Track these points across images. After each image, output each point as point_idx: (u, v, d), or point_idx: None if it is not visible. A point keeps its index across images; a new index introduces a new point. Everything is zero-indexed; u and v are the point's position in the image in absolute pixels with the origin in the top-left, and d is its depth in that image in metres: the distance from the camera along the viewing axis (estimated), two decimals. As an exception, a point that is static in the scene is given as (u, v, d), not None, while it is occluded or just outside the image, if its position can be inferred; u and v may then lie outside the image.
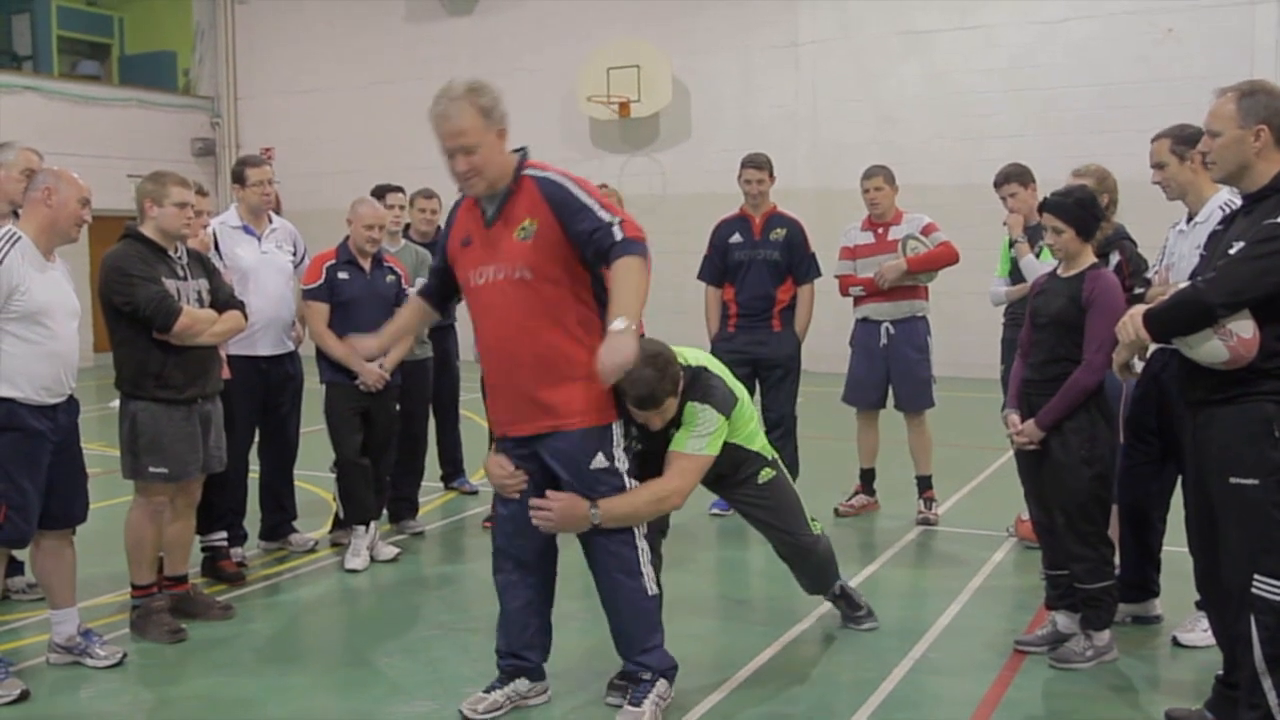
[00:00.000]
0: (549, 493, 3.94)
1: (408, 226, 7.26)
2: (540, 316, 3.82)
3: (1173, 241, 4.68)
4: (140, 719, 4.26)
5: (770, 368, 6.91)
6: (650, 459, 4.13)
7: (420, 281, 6.50)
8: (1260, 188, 3.54)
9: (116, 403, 5.05)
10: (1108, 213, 4.96)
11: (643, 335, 6.71)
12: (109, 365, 5.04)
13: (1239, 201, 3.76)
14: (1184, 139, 4.45)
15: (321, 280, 6.04)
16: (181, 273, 4.96)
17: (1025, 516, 5.62)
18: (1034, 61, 13.55)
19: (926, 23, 14.10)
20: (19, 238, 4.40)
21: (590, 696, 4.27)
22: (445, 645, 4.93)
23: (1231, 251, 3.46)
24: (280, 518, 6.42)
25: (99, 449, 7.67)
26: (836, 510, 7.04)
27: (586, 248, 3.77)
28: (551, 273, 3.81)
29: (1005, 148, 11.29)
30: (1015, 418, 4.62)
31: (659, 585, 4.09)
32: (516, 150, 3.94)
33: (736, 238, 6.98)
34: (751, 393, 6.67)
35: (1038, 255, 5.89)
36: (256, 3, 18.74)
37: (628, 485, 3.95)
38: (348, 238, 6.15)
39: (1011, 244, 6.19)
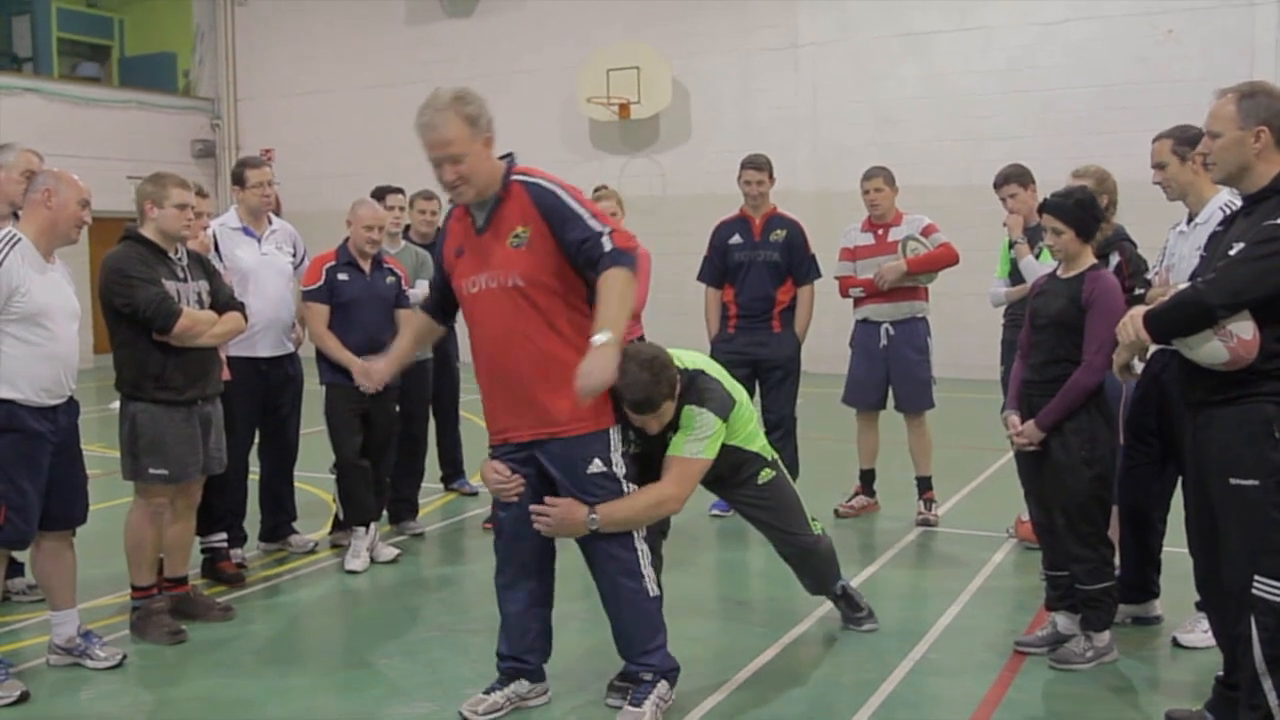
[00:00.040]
0: (548, 499, 3.94)
1: (408, 228, 7.27)
2: (535, 323, 3.82)
3: (1173, 242, 4.68)
4: (140, 720, 4.26)
5: (770, 369, 6.91)
6: (648, 462, 4.12)
7: (420, 283, 6.54)
8: (1260, 189, 3.54)
9: (116, 404, 5.05)
10: (1107, 214, 4.96)
11: (641, 338, 6.79)
12: (109, 367, 5.04)
13: (1239, 202, 3.76)
14: (1185, 140, 4.45)
15: (321, 282, 6.04)
16: (181, 274, 4.96)
17: (1025, 517, 5.62)
18: (1033, 63, 13.55)
19: (926, 24, 14.10)
20: (19, 239, 4.40)
21: (590, 697, 4.27)
22: (445, 646, 4.93)
23: (1231, 252, 3.46)
24: (280, 519, 6.42)
25: (99, 450, 7.68)
26: (836, 511, 7.04)
27: (577, 257, 3.78)
28: (545, 279, 3.81)
29: (1005, 149, 11.29)
30: (1015, 419, 4.62)
31: (660, 586, 4.09)
32: (504, 156, 3.94)
33: (736, 239, 6.98)
34: (751, 394, 6.67)
35: (1037, 256, 5.88)
36: (256, 4, 18.75)
37: (625, 490, 3.95)
38: (347, 239, 6.16)
39: (1011, 245, 6.20)
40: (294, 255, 6.31)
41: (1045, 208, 4.54)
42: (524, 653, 4.15)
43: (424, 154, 3.84)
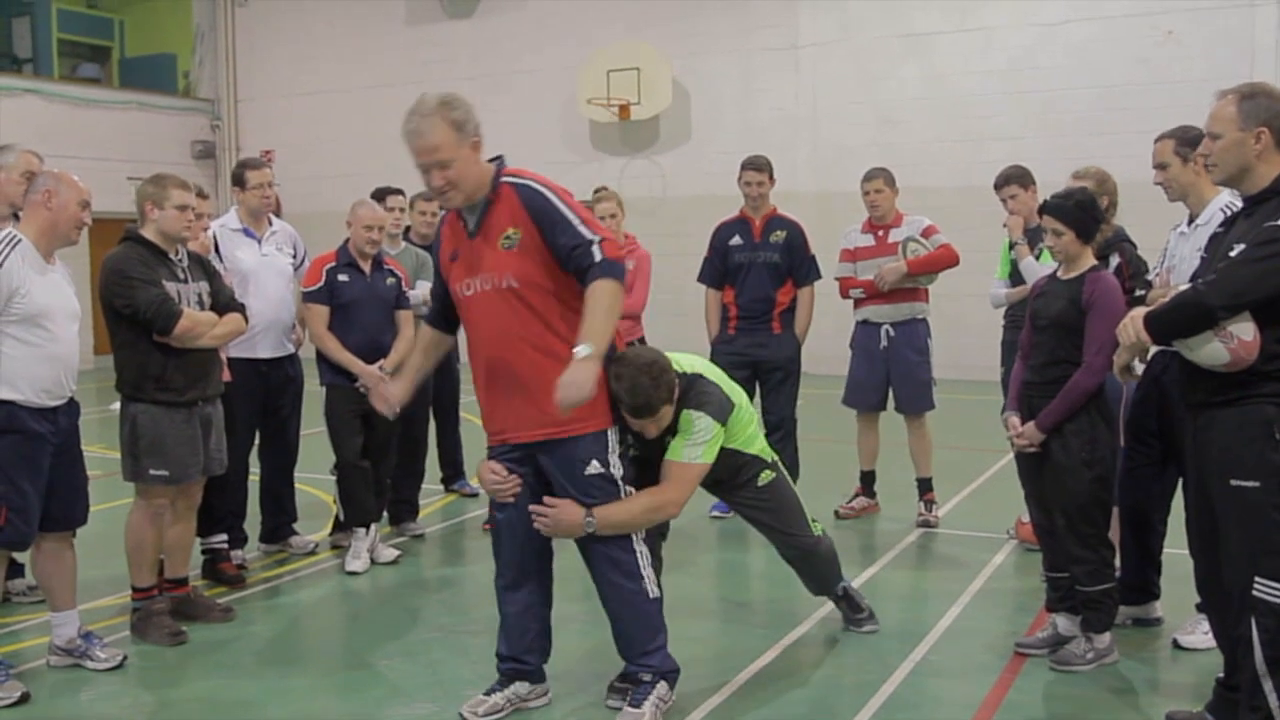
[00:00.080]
0: (546, 499, 3.94)
1: (408, 229, 7.26)
2: (530, 324, 3.82)
3: (1174, 244, 4.68)
4: (140, 721, 4.26)
5: (770, 370, 6.91)
6: (646, 466, 4.12)
7: (421, 284, 6.54)
8: (1261, 190, 3.54)
9: (117, 405, 5.05)
10: (1107, 215, 4.96)
11: (642, 340, 6.80)
12: (109, 368, 5.04)
13: (1240, 204, 3.76)
14: (1188, 140, 4.45)
15: (321, 283, 6.04)
16: (182, 275, 4.96)
17: (1025, 519, 5.62)
18: (1034, 63, 13.55)
19: (926, 25, 14.10)
20: (19, 240, 4.40)
21: (591, 698, 4.27)
22: (445, 648, 4.93)
23: (1232, 254, 3.46)
24: (280, 520, 6.42)
25: (99, 451, 7.68)
26: (837, 512, 7.04)
27: (566, 262, 3.79)
28: (539, 280, 3.82)
29: (1005, 150, 11.31)
30: (1015, 420, 4.62)
31: (660, 587, 4.09)
32: (494, 159, 3.94)
33: (736, 240, 6.98)
34: (751, 395, 6.67)
35: (1038, 257, 5.88)
36: (256, 5, 18.75)
37: (623, 493, 3.96)
38: (348, 240, 6.16)
39: (1011, 246, 6.20)
40: (294, 256, 6.31)
41: (1045, 209, 4.54)
42: (523, 653, 4.15)
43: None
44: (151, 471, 4.87)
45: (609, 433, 3.94)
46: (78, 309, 4.63)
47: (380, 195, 6.88)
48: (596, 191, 7.25)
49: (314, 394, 6.23)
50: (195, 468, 4.98)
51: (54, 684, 4.52)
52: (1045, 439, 4.48)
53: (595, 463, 3.90)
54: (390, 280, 6.22)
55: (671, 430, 4.12)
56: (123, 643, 4.92)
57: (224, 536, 5.91)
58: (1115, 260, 4.95)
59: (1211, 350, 3.45)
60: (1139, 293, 4.71)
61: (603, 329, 3.69)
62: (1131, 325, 3.65)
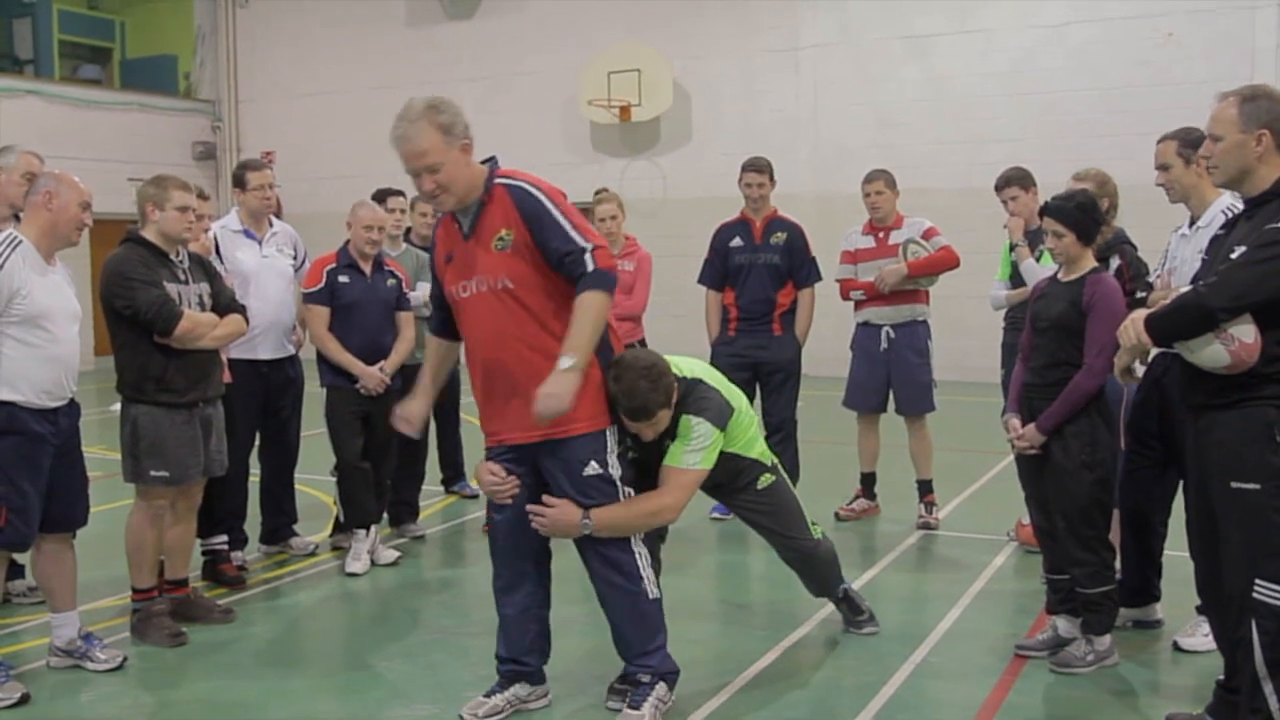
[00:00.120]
0: (545, 498, 3.94)
1: (408, 230, 7.26)
2: (526, 324, 3.83)
3: (1175, 245, 4.68)
4: (140, 723, 4.26)
5: (771, 372, 6.91)
6: (645, 469, 4.12)
7: (421, 285, 6.53)
8: (1261, 192, 3.54)
9: (117, 406, 5.05)
10: (1108, 217, 4.96)
11: (642, 341, 6.79)
12: (110, 369, 5.04)
13: (1241, 206, 3.76)
14: (1191, 142, 4.44)
15: (322, 284, 6.04)
16: (183, 276, 4.97)
17: (1026, 521, 5.62)
18: (1034, 65, 13.56)
19: (927, 27, 14.11)
20: (20, 242, 4.40)
21: (590, 700, 4.27)
22: (445, 649, 4.93)
23: (1233, 256, 3.46)
24: (281, 521, 6.42)
25: (100, 452, 7.67)
26: (837, 514, 7.04)
27: (558, 267, 3.80)
28: (533, 280, 3.83)
29: (1005, 151, 11.32)
30: (1016, 422, 4.62)
31: (659, 588, 4.09)
32: (486, 160, 3.95)
33: (737, 241, 6.98)
34: (752, 397, 6.67)
35: (1038, 259, 5.88)
36: (257, 6, 18.76)
37: (622, 494, 3.96)
38: (348, 241, 6.16)
39: (1012, 248, 6.19)
40: (295, 258, 6.31)
41: (1046, 211, 4.54)
42: (523, 655, 4.15)
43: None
44: (152, 472, 4.87)
45: (607, 433, 3.94)
46: (78, 310, 4.63)
47: (381, 197, 6.87)
48: (597, 193, 7.24)
49: (314, 395, 6.23)
50: (195, 469, 4.98)
51: (54, 685, 4.52)
52: (1046, 441, 4.47)
53: (594, 463, 3.91)
54: (391, 281, 6.22)
55: (670, 435, 4.12)
56: (123, 644, 4.92)
57: (224, 538, 5.91)
58: (1116, 262, 4.95)
59: (1212, 352, 3.45)
60: (1139, 294, 4.71)
61: (587, 342, 3.72)
62: (1132, 327, 3.65)
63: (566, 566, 4.30)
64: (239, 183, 6.15)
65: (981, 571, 5.91)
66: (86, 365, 5.86)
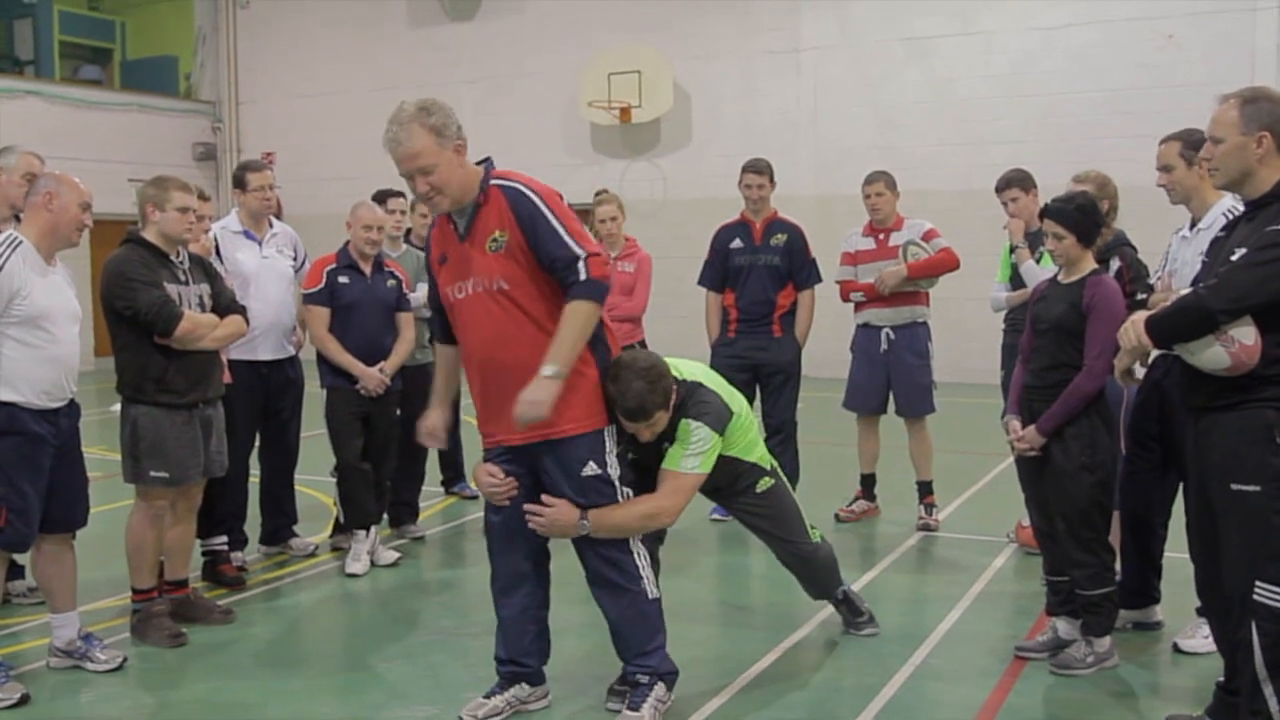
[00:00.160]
0: (543, 497, 3.95)
1: (409, 231, 7.26)
2: (522, 325, 3.83)
3: (1176, 247, 4.68)
4: (140, 723, 4.26)
5: (771, 373, 6.91)
6: (642, 470, 4.12)
7: (422, 286, 6.53)
8: (1262, 194, 3.55)
9: (117, 407, 5.05)
10: (1108, 219, 4.95)
11: (643, 343, 6.79)
12: (110, 369, 5.04)
13: (1242, 208, 3.76)
14: (1193, 144, 4.43)
15: (322, 284, 6.04)
16: (183, 277, 4.97)
17: (1026, 522, 5.62)
18: (1035, 67, 13.56)
19: (927, 29, 14.12)
20: (20, 242, 4.40)
21: (590, 701, 4.27)
22: (445, 650, 4.93)
23: (1233, 258, 3.46)
24: (281, 522, 6.42)
25: (100, 453, 7.68)
26: (837, 515, 7.04)
27: (550, 271, 3.81)
28: (528, 281, 3.83)
29: (1006, 153, 11.32)
30: (1016, 424, 4.62)
31: (658, 588, 4.09)
32: (481, 161, 3.95)
33: (737, 243, 6.98)
34: (752, 398, 6.67)
35: (1038, 261, 5.88)
36: (258, 8, 18.76)
37: (620, 494, 3.96)
38: (348, 242, 6.16)
39: (1012, 249, 6.20)
40: (295, 258, 6.31)
41: (1046, 213, 4.54)
42: (522, 656, 4.15)
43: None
44: (152, 473, 4.86)
45: (605, 433, 3.94)
46: (78, 311, 4.63)
47: (381, 198, 6.87)
48: (598, 194, 7.25)
49: (314, 396, 6.23)
50: (195, 469, 4.98)
51: (54, 685, 4.52)
52: (1046, 443, 4.47)
53: (592, 464, 3.91)
54: (391, 282, 6.22)
55: (669, 438, 4.11)
56: (123, 644, 4.92)
57: (224, 538, 5.91)
58: (1116, 264, 4.94)
59: (1213, 354, 3.45)
60: (1140, 296, 4.71)
61: (570, 350, 3.74)
62: (1133, 329, 3.65)
63: (566, 567, 4.29)
64: (239, 184, 6.15)
65: (981, 573, 5.91)
66: (87, 366, 5.86)
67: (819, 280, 7.00)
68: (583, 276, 3.76)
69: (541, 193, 3.86)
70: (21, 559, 5.19)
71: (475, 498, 7.65)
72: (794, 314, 6.94)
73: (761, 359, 6.89)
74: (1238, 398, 3.49)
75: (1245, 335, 3.40)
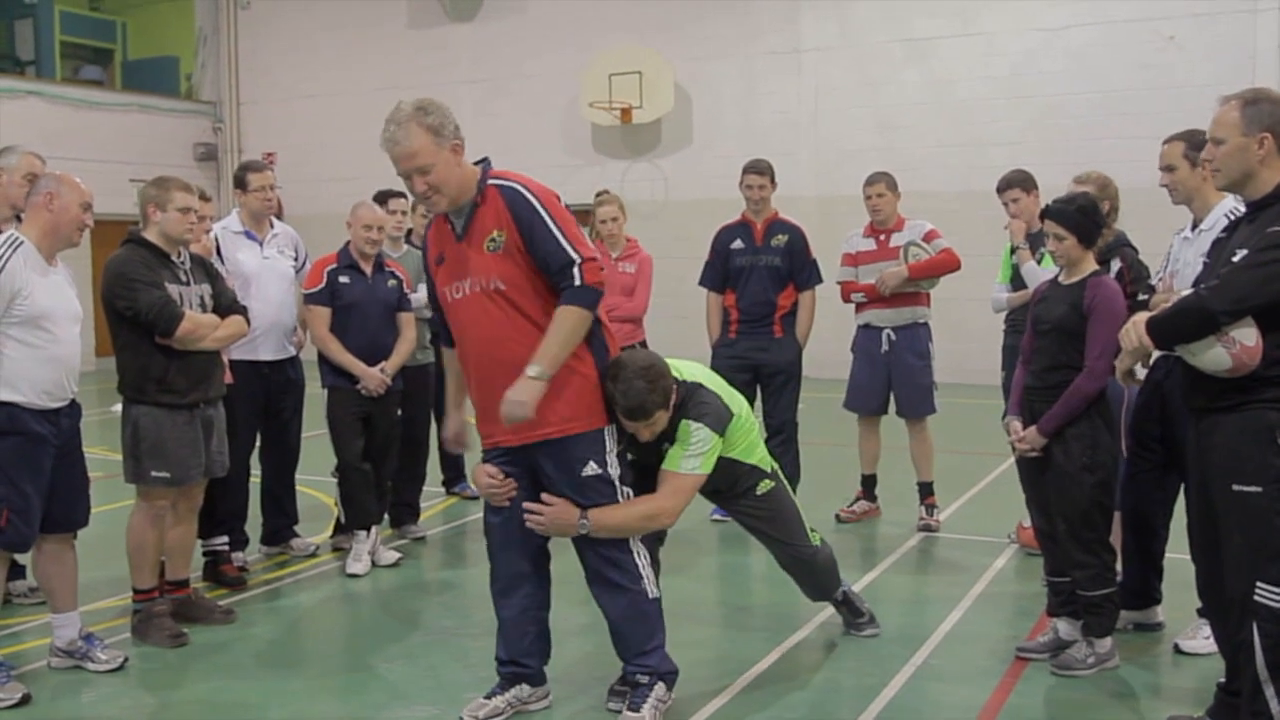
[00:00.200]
0: (543, 496, 3.95)
1: (410, 232, 7.26)
2: (520, 325, 3.83)
3: (1177, 248, 4.68)
4: (141, 723, 4.26)
5: (771, 374, 6.91)
6: (645, 473, 4.12)
7: (422, 286, 6.53)
8: (1263, 195, 3.55)
9: (118, 407, 5.05)
10: (1109, 220, 4.96)
11: (643, 343, 6.79)
12: (111, 369, 5.04)
13: (1243, 209, 3.76)
14: (1197, 144, 4.42)
15: (323, 285, 6.04)
16: (184, 278, 4.97)
17: (1026, 523, 5.62)
18: (1035, 68, 13.56)
19: (928, 30, 14.12)
20: (21, 243, 4.40)
21: (591, 702, 4.27)
22: (446, 651, 4.93)
23: (1235, 259, 3.46)
24: (281, 522, 6.42)
25: (101, 453, 7.68)
26: (838, 516, 7.04)
27: (545, 274, 3.82)
28: (525, 281, 3.83)
29: (1006, 154, 11.31)
30: (1017, 424, 4.62)
31: (658, 587, 4.09)
32: (478, 162, 3.95)
33: (738, 244, 6.98)
34: (752, 399, 6.67)
35: (1039, 262, 5.89)
36: (259, 8, 18.76)
37: (621, 494, 3.96)
38: (349, 242, 6.16)
39: (1013, 250, 6.20)
40: (295, 259, 6.31)
41: (1047, 214, 4.54)
42: (522, 656, 4.15)
43: None
44: (153, 473, 4.87)
45: (605, 432, 3.94)
46: (79, 311, 4.63)
47: (383, 198, 6.87)
48: (598, 195, 7.25)
49: (315, 396, 6.23)
50: (196, 469, 4.98)
51: (55, 685, 4.52)
52: (1047, 444, 4.48)
53: (592, 464, 3.91)
54: (392, 282, 6.22)
55: (669, 439, 4.11)
56: (124, 644, 4.92)
57: (225, 538, 5.91)
58: (1116, 265, 4.95)
59: (1214, 355, 3.45)
60: (1141, 297, 4.71)
61: (557, 353, 3.75)
62: (1134, 330, 3.65)
63: (567, 568, 4.29)
64: (240, 184, 6.16)
65: (982, 574, 5.91)
66: (88, 366, 5.86)
67: (820, 281, 7.00)
68: (577, 282, 3.76)
69: (539, 194, 3.86)
70: (23, 559, 5.19)
71: (476, 498, 7.64)
72: (795, 315, 6.94)
73: (762, 360, 6.88)
74: (1239, 399, 3.49)
75: (1246, 336, 3.40)
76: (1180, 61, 12.77)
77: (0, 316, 4.30)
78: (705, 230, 7.50)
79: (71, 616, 4.68)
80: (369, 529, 6.15)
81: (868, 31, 14.46)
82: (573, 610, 4.95)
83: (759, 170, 6.97)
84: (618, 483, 3.96)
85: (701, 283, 7.18)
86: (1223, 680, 3.83)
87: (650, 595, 4.02)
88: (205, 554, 5.87)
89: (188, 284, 4.97)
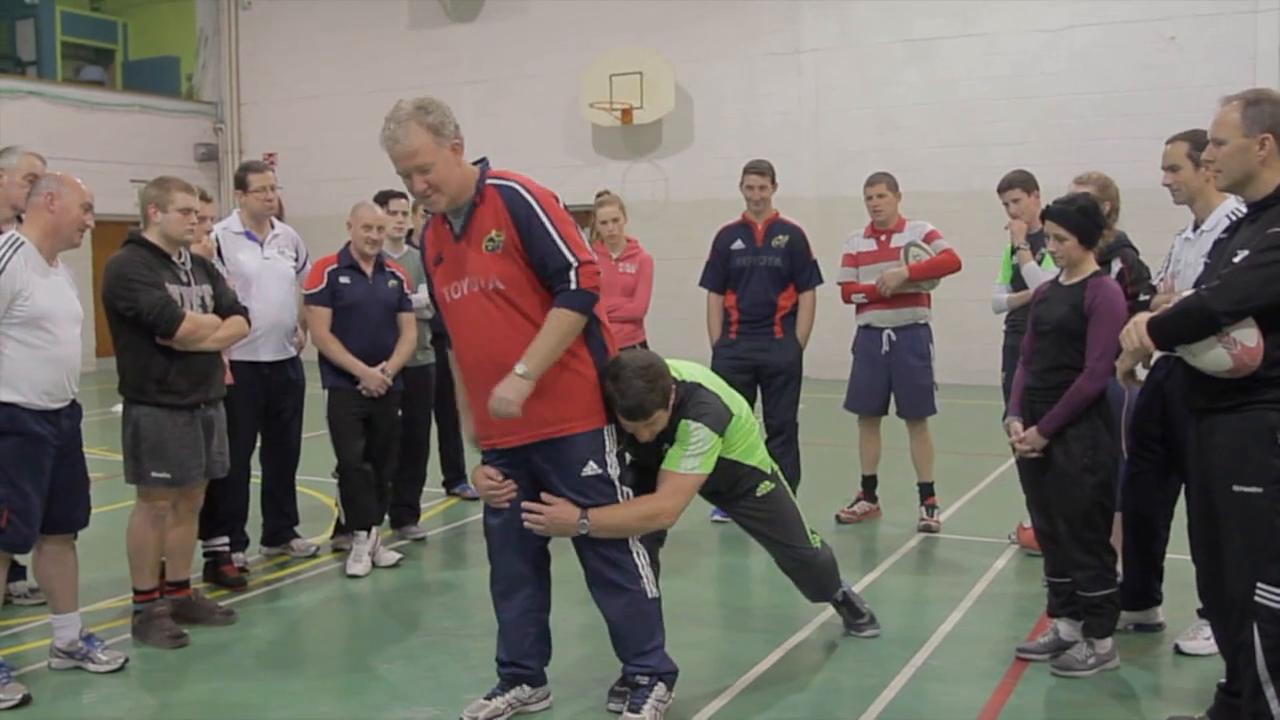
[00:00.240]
0: (543, 495, 3.95)
1: (410, 232, 7.26)
2: (520, 325, 3.83)
3: (1179, 249, 4.68)
4: (141, 724, 4.26)
5: (772, 375, 6.91)
6: (642, 471, 4.12)
7: (423, 287, 6.53)
8: (1264, 196, 3.55)
9: (119, 407, 5.05)
10: (1110, 221, 4.95)
11: (644, 344, 6.79)
12: (112, 370, 5.04)
13: (1245, 210, 3.75)
14: (1201, 145, 4.40)
15: (323, 285, 6.04)
16: (185, 278, 4.97)
17: (1027, 524, 5.62)
18: (1036, 69, 13.56)
19: (928, 30, 14.12)
20: (22, 243, 4.40)
21: (592, 703, 4.27)
22: (446, 651, 4.93)
23: (1236, 260, 3.46)
24: (282, 523, 6.42)
25: (101, 454, 7.68)
26: (838, 517, 7.04)
27: (541, 275, 3.82)
28: (524, 281, 3.83)
29: (1007, 155, 11.30)
30: (1018, 425, 4.62)
31: (658, 588, 4.09)
32: (477, 162, 3.95)
33: (738, 244, 6.98)
34: (753, 400, 6.67)
35: (1040, 262, 5.88)
36: (260, 9, 18.77)
37: (621, 494, 3.96)
38: (349, 243, 6.16)
39: (1014, 251, 6.20)
40: (296, 259, 6.32)
41: (1048, 214, 4.54)
42: (523, 658, 4.15)
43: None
44: (153, 474, 4.87)
45: (604, 431, 3.94)
46: (80, 311, 4.63)
47: (383, 199, 6.87)
48: (599, 195, 7.25)
49: (316, 397, 6.23)
50: (197, 470, 4.98)
51: (55, 686, 4.52)
52: (1047, 444, 4.47)
53: (592, 464, 3.91)
54: (392, 283, 6.22)
55: (669, 439, 4.11)
56: (124, 645, 4.92)
57: (225, 539, 5.91)
58: (1117, 266, 4.95)
59: (1215, 356, 3.45)
60: (1141, 298, 4.71)
61: (546, 354, 3.75)
62: (1135, 330, 3.65)
63: (567, 569, 4.29)
64: (241, 184, 6.16)
65: (983, 574, 5.91)
66: (88, 366, 5.87)
67: (820, 282, 7.00)
68: (573, 286, 3.77)
69: (538, 194, 3.86)
70: (23, 560, 5.19)
71: (477, 499, 7.60)
72: (795, 315, 6.94)
73: (763, 360, 6.88)
74: (1239, 399, 3.49)
75: (1247, 337, 3.40)
76: (1181, 62, 12.76)
77: (1, 317, 4.31)
78: (706, 231, 7.50)
79: (72, 617, 4.68)
80: (369, 530, 6.15)
81: (868, 32, 14.46)
82: (573, 611, 4.95)
83: (759, 171, 6.97)
84: (618, 483, 3.96)
85: (702, 283, 7.18)
86: (1223, 681, 3.83)
87: (649, 595, 4.02)
88: (206, 555, 5.87)
89: (188, 284, 4.97)
